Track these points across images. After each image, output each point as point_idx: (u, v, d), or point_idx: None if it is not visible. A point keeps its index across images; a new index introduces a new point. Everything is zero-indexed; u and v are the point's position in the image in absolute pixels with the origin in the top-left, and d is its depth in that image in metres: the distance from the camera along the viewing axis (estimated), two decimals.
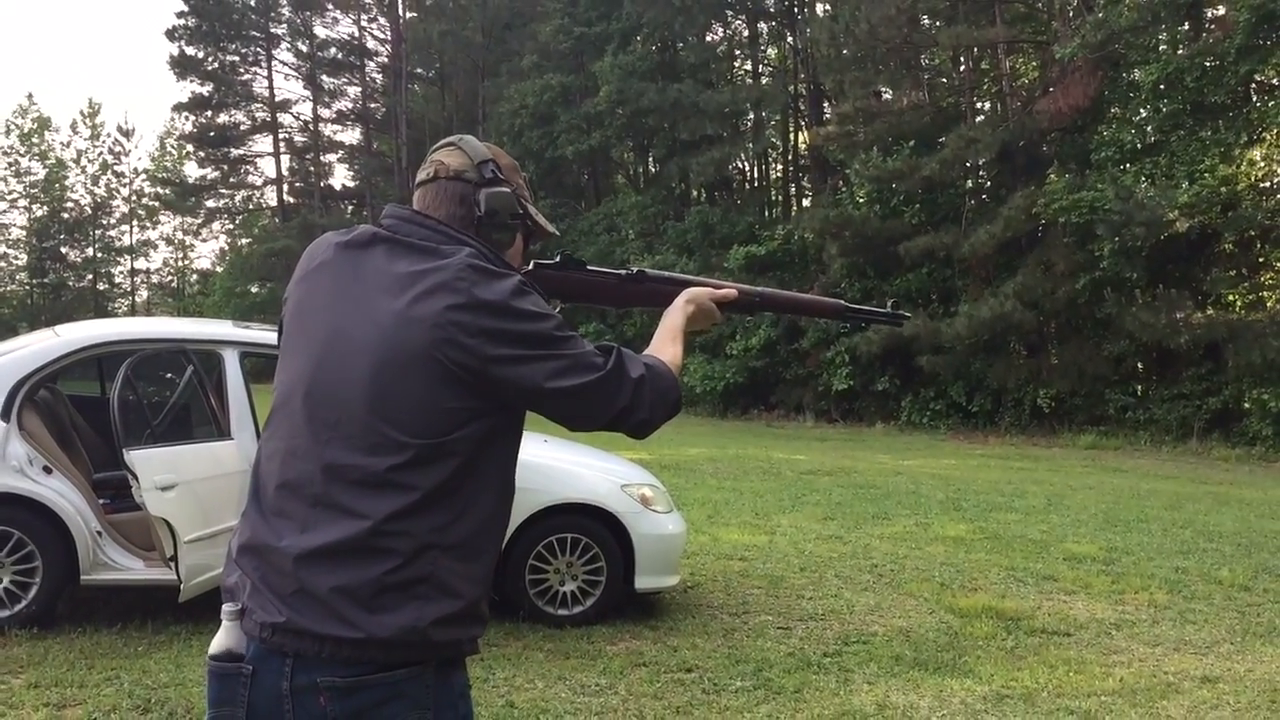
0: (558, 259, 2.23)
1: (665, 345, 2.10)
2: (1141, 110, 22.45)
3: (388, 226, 1.95)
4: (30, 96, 70.00)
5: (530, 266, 2.15)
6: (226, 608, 1.83)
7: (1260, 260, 20.80)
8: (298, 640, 1.75)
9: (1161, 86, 20.88)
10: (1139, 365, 22.43)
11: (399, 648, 1.76)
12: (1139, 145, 21.54)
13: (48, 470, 5.62)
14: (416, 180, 2.05)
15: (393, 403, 1.79)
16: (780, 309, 2.57)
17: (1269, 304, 20.39)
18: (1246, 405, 19.12)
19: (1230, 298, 20.54)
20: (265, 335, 6.27)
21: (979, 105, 27.60)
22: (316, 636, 1.74)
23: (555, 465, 6.22)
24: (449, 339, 1.79)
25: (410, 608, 1.76)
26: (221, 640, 1.81)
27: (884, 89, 28.27)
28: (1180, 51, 21.10)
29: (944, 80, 28.67)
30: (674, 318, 2.18)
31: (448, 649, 1.83)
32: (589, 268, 2.26)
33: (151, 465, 4.99)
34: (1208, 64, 20.22)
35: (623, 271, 2.30)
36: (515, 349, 1.82)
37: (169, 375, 6.86)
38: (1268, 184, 20.77)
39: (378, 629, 1.74)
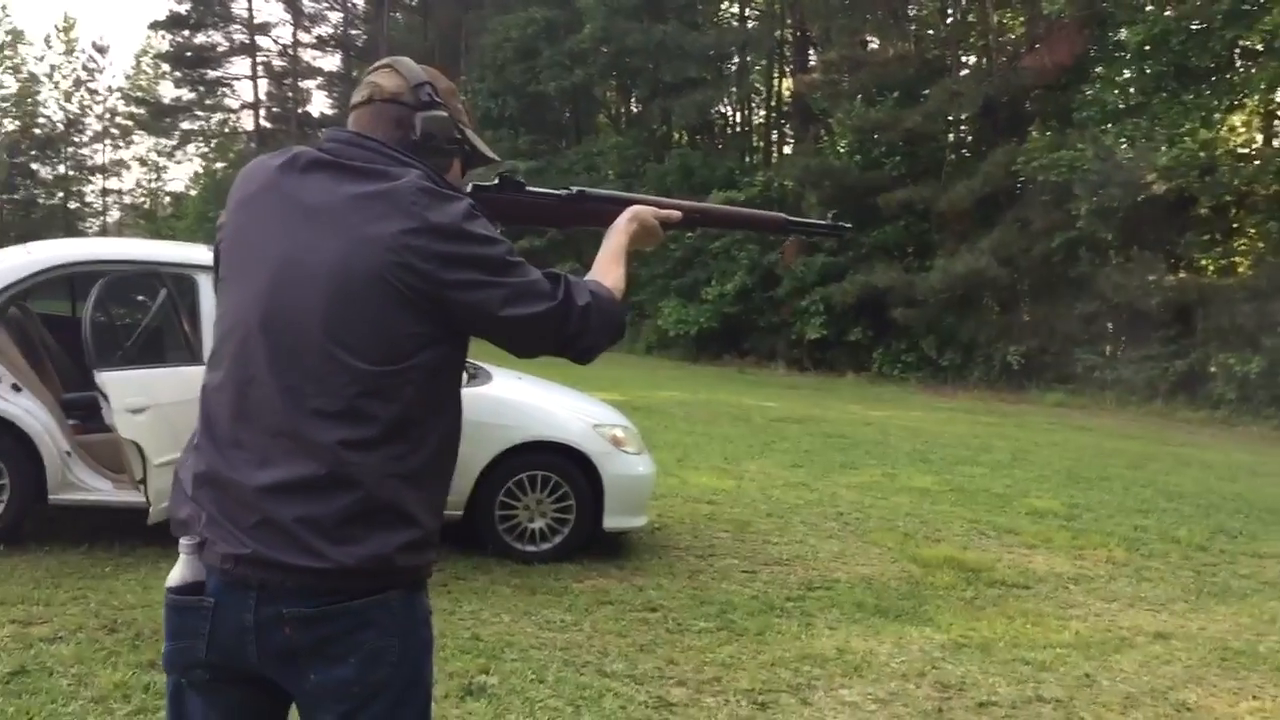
0: (496, 181, 2.18)
1: (610, 267, 2.07)
2: (1125, 71, 22.41)
3: (329, 150, 1.90)
4: (4, 8, 68.45)
5: (468, 189, 2.09)
6: (184, 541, 1.80)
7: (1234, 226, 20.94)
8: (263, 571, 1.74)
9: (1147, 48, 20.83)
10: (1109, 325, 22.62)
11: (365, 576, 1.76)
12: (1121, 106, 21.55)
13: (16, 389, 5.58)
14: (351, 103, 2.00)
15: (349, 329, 1.77)
16: (723, 224, 2.56)
17: (1240, 269, 20.57)
18: (1212, 369, 19.34)
19: (1203, 262, 20.69)
20: None
21: (964, 59, 27.48)
22: (283, 567, 1.73)
23: (528, 403, 6.24)
24: (401, 263, 1.76)
25: (375, 537, 1.75)
26: (179, 573, 1.78)
27: (870, 38, 28.11)
28: (1167, 13, 21.04)
29: (930, 32, 28.50)
30: (617, 238, 2.14)
31: (412, 574, 1.84)
32: (529, 189, 2.21)
33: (123, 387, 4.95)
34: (1193, 27, 20.20)
35: (562, 191, 2.25)
36: (469, 273, 1.80)
37: (141, 298, 6.81)
38: (1246, 150, 20.85)
39: (345, 558, 1.73)
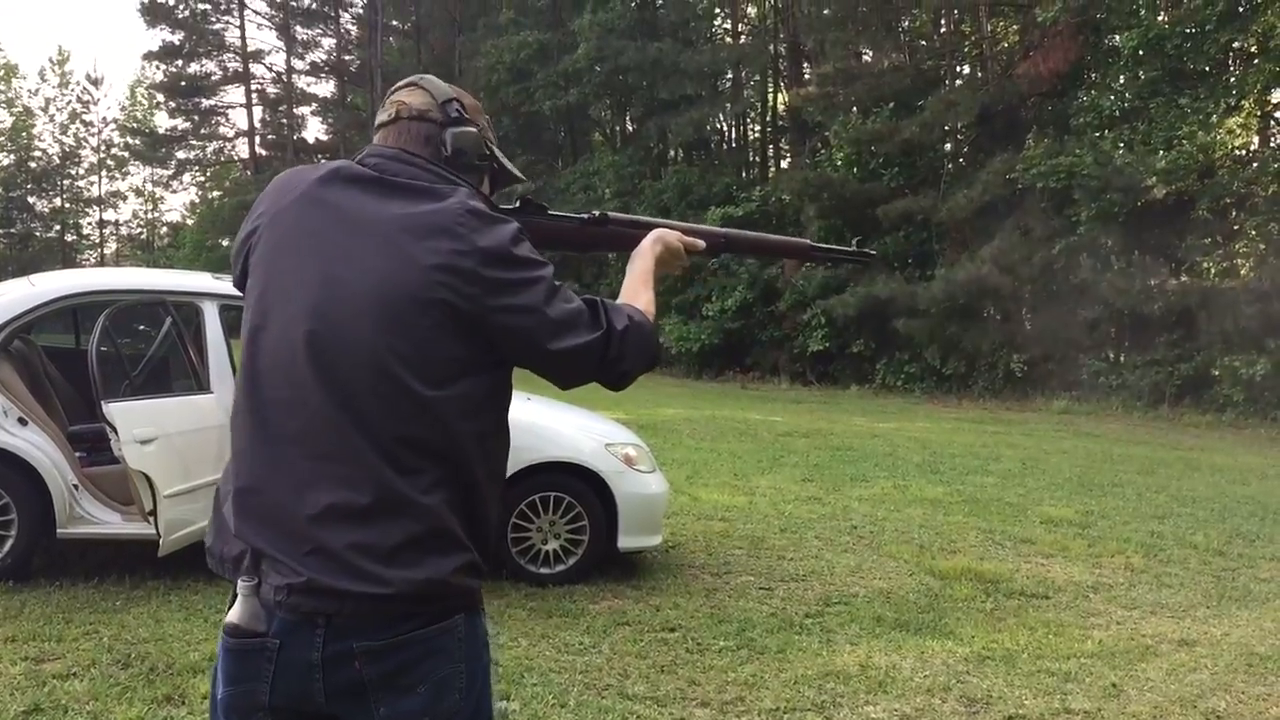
0: (517, 204, 2.14)
1: (639, 291, 2.04)
2: (1121, 76, 22.40)
3: (373, 165, 1.86)
4: None
5: None
6: (242, 582, 1.73)
7: (1235, 228, 20.85)
8: (319, 599, 1.68)
9: (1141, 53, 20.83)
10: (1112, 331, 22.57)
11: (425, 600, 1.72)
12: (1118, 111, 21.51)
13: (23, 422, 5.53)
14: (377, 122, 1.96)
15: (395, 352, 1.72)
16: (746, 251, 2.54)
17: (1242, 271, 20.49)
18: (1216, 372, 19.23)
19: (1204, 265, 20.64)
20: None
21: (959, 68, 27.51)
22: (339, 594, 1.68)
23: (539, 423, 6.18)
24: (447, 284, 1.72)
25: (429, 562, 1.71)
26: (238, 615, 1.72)
27: (864, 50, 28.15)
28: (1161, 18, 21.06)
29: (924, 42, 28.54)
30: (643, 262, 2.11)
31: (469, 597, 1.80)
32: (550, 212, 2.18)
33: (131, 418, 4.91)
34: (1188, 30, 20.19)
35: (584, 215, 2.22)
36: (513, 298, 1.76)
37: (146, 328, 6.76)
38: (1243, 152, 20.85)
39: (402, 585, 1.69)
